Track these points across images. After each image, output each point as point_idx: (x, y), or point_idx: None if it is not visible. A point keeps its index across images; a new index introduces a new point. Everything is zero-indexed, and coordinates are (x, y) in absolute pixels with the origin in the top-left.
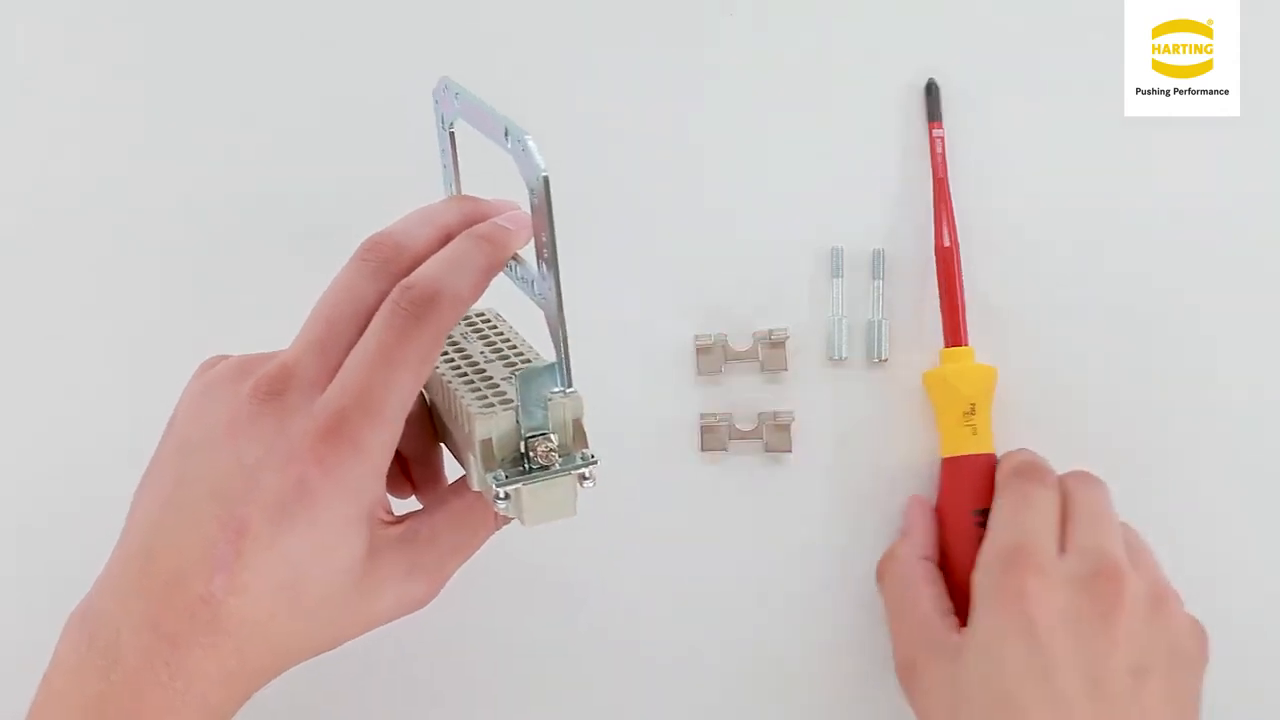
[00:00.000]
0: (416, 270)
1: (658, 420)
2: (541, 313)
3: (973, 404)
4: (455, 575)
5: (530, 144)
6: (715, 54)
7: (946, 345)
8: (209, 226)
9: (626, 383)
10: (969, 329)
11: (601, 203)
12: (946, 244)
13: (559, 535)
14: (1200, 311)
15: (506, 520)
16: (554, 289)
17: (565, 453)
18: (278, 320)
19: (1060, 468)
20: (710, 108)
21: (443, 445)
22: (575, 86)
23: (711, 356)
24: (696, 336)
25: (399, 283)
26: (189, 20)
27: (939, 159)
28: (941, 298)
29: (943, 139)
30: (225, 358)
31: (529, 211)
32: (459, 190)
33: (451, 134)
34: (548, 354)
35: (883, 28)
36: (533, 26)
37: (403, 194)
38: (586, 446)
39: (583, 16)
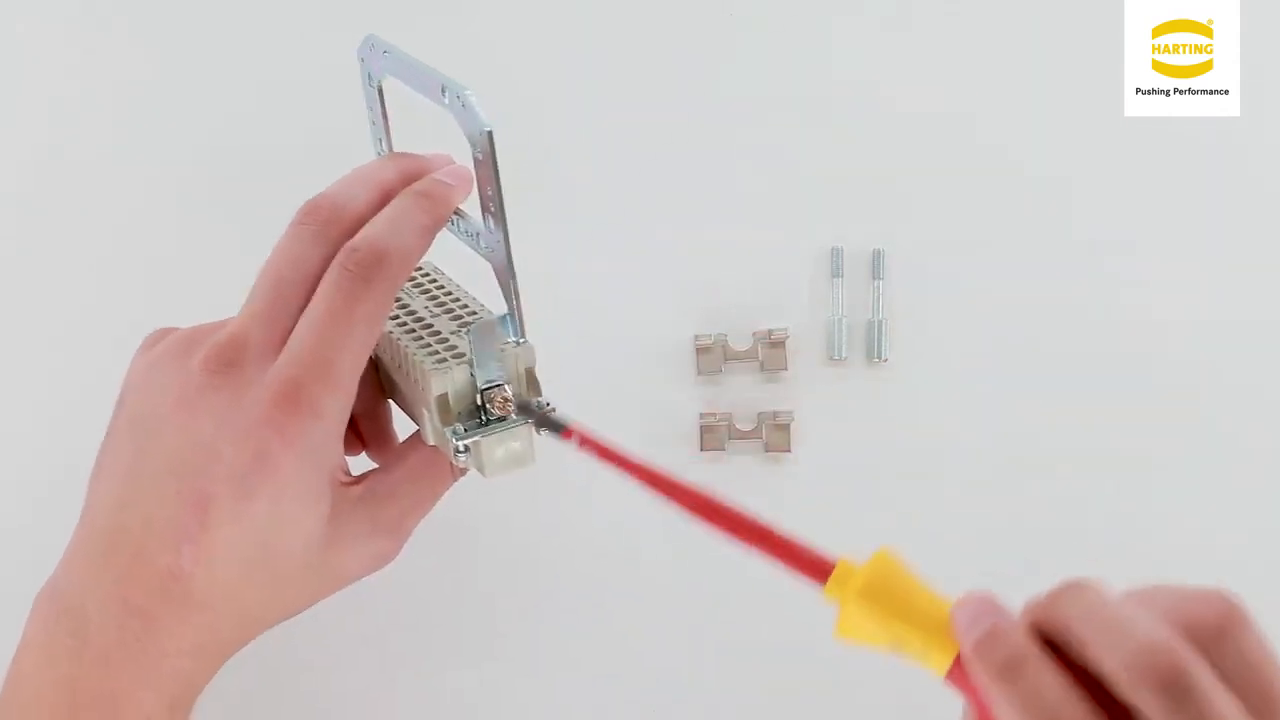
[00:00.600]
0: (360, 232)
1: (658, 420)
2: (487, 265)
3: (894, 636)
4: (454, 578)
5: (471, 99)
6: (715, 54)
7: (822, 584)
8: (176, 211)
9: (626, 383)
10: None
11: (601, 202)
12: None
13: (558, 533)
14: (1200, 311)
15: (464, 471)
16: (503, 241)
17: (521, 402)
18: (228, 295)
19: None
20: (710, 108)
21: (390, 401)
22: (576, 87)
23: (711, 356)
24: (696, 336)
25: (344, 245)
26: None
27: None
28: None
29: None
30: (170, 330)
31: (469, 165)
32: (391, 147)
33: (379, 90)
34: (491, 305)
35: (882, 27)
36: (535, 26)
37: (348, 160)
38: (540, 394)
39: (585, 17)
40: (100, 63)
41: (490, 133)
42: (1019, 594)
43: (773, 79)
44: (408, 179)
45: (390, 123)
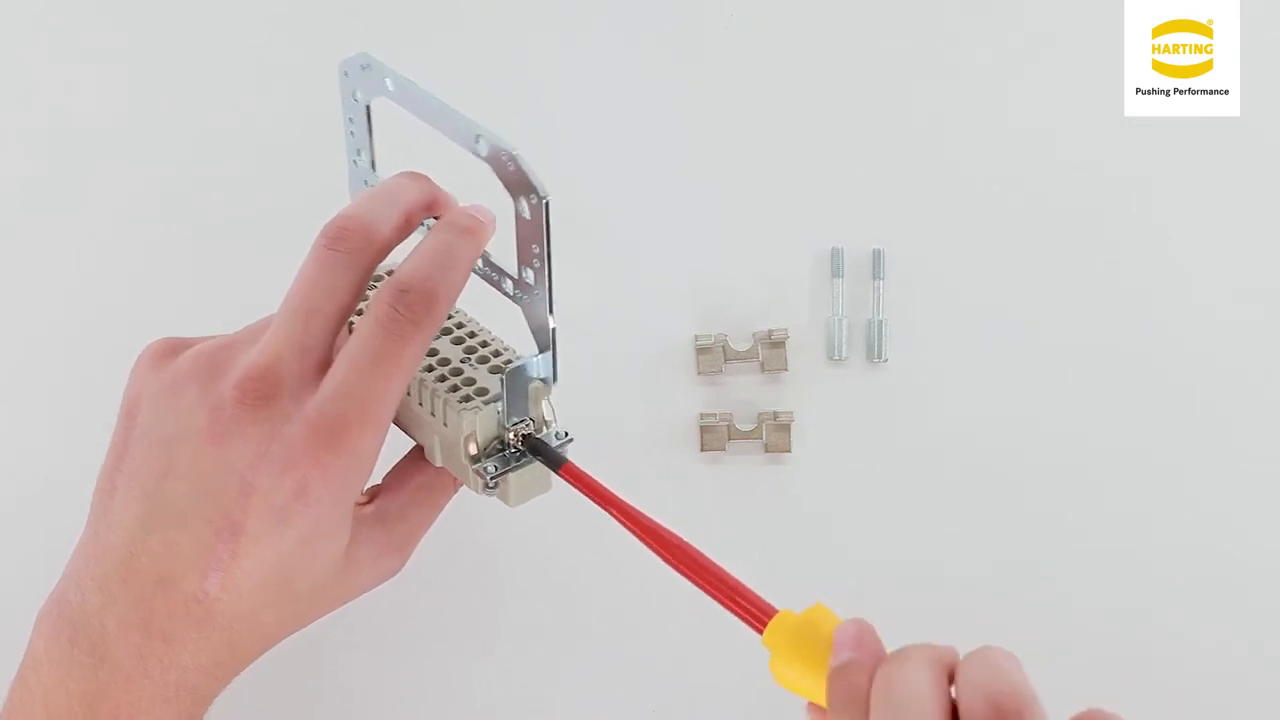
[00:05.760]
0: (407, 270)
1: (658, 420)
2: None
3: (807, 683)
4: (456, 580)
5: (523, 161)
6: (716, 55)
7: (761, 632)
8: (162, 216)
9: (626, 383)
10: None
11: (602, 203)
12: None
13: (558, 535)
14: (1201, 310)
15: (460, 484)
16: (546, 295)
17: (533, 441)
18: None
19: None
20: (710, 109)
21: None
22: (577, 88)
23: (711, 356)
24: (696, 336)
25: (392, 285)
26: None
27: None
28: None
29: None
30: (175, 341)
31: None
32: (375, 166)
33: (367, 109)
34: (496, 331)
35: (880, 27)
36: (534, 26)
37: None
38: (548, 427)
39: (584, 18)
40: (92, 69)
41: (548, 202)
42: (1018, 593)
43: (772, 79)
44: (426, 203)
45: (374, 139)
